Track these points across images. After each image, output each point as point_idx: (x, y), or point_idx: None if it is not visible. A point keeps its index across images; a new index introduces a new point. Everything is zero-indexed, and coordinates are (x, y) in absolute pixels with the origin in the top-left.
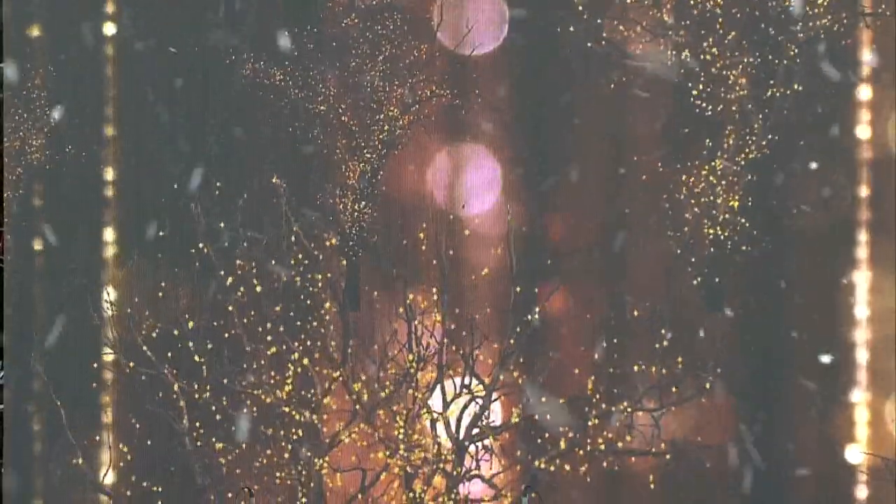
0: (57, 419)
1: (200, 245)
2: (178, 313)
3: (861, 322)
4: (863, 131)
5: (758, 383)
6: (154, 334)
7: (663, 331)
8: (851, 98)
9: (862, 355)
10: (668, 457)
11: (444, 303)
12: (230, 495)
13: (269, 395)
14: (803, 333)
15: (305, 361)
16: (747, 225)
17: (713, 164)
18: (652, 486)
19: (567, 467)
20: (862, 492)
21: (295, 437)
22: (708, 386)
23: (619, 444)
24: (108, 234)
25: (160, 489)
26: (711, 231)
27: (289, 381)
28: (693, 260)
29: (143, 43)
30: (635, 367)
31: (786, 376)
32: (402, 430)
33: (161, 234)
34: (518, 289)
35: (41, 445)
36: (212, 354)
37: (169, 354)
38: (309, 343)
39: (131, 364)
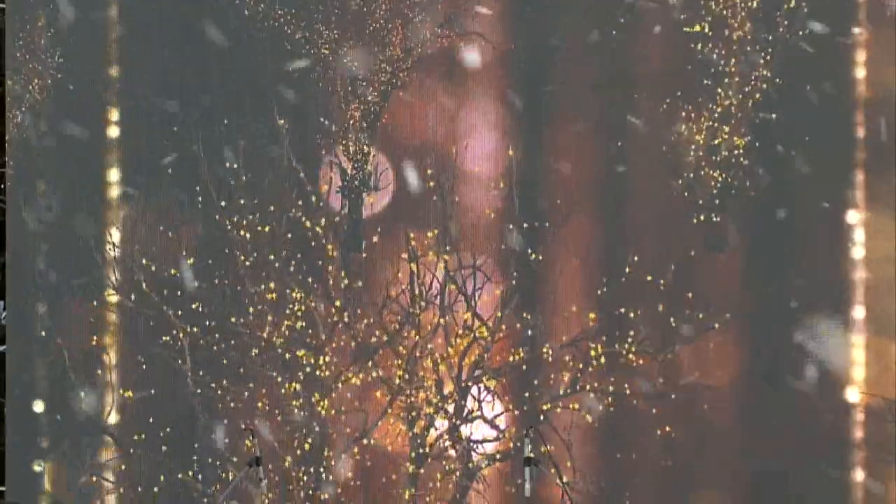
0: (59, 361)
1: (202, 186)
2: (179, 254)
3: (859, 263)
4: (859, 71)
5: (760, 324)
6: (156, 276)
7: (665, 272)
8: (851, 40)
9: (861, 296)
10: (673, 396)
11: (445, 244)
12: (232, 435)
13: (270, 336)
14: (804, 274)
15: (307, 303)
16: (749, 165)
17: (715, 105)
18: (655, 427)
19: (570, 408)
20: (860, 432)
21: (297, 378)
22: (717, 326)
23: (622, 386)
24: (113, 174)
25: (163, 429)
26: (713, 172)
27: (290, 322)
28: (694, 200)
29: None
30: (637, 309)
31: (787, 317)
32: (403, 372)
33: (167, 163)
34: (520, 229)
35: (44, 387)
36: (214, 296)
37: (170, 295)
38: (310, 284)
39: (133, 304)
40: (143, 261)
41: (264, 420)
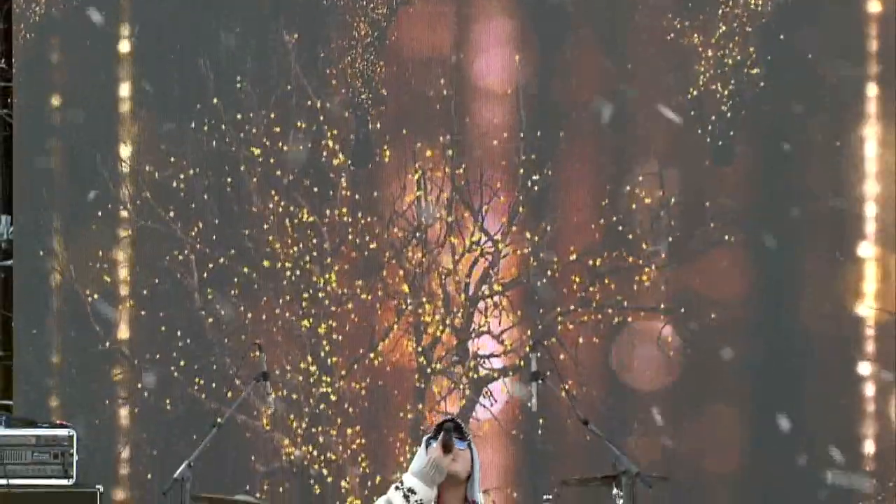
0: (68, 277)
1: (211, 102)
2: (188, 170)
3: (870, 175)
4: None
5: (768, 236)
6: (165, 190)
7: (674, 185)
8: None
9: (871, 209)
10: (682, 310)
11: (453, 158)
12: (240, 351)
13: (277, 252)
14: (813, 186)
15: (313, 219)
16: (757, 77)
17: (722, 16)
18: (660, 340)
19: (577, 323)
20: (870, 346)
21: (303, 294)
22: (726, 238)
23: (628, 301)
24: (124, 90)
25: (173, 345)
26: (721, 86)
27: (297, 237)
28: (701, 114)
29: None
30: (643, 223)
31: (795, 228)
32: (410, 288)
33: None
34: (528, 144)
35: (53, 303)
36: (221, 212)
37: (179, 211)
38: (317, 199)
39: (143, 221)
40: (155, 175)
41: (271, 336)
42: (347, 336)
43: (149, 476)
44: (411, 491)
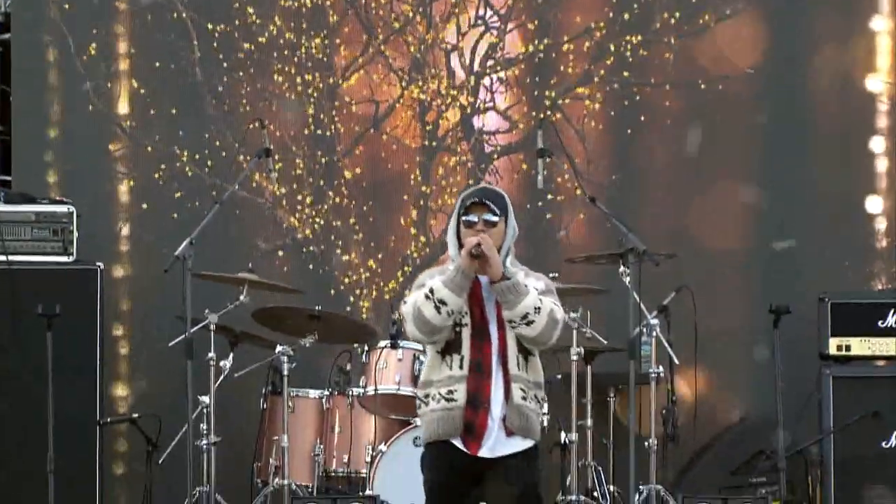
0: (67, 50)
1: None
2: None
3: None
4: None
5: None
6: None
7: None
8: None
9: None
10: (701, 85)
11: None
12: (242, 126)
13: (280, 29)
14: None
15: None
16: None
17: None
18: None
19: (584, 99)
20: (882, 121)
21: (307, 68)
22: (728, 12)
23: (637, 76)
24: None
25: (172, 116)
26: None
27: (299, 4)
28: None
29: None
30: None
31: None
32: (415, 63)
33: None
34: None
35: (52, 78)
36: None
37: None
38: None
39: None
40: None
41: (274, 111)
42: (351, 112)
43: (149, 254)
44: (442, 302)
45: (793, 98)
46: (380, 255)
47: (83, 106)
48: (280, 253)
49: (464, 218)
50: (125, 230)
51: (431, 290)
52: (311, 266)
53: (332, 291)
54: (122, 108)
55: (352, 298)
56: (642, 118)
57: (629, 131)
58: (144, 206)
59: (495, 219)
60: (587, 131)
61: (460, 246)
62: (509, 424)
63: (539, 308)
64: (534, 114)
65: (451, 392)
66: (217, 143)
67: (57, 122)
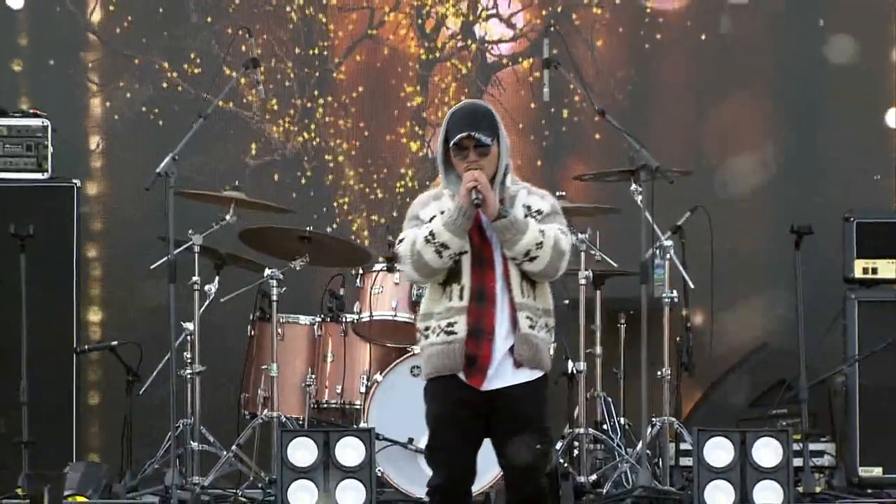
0: None
1: None
2: None
3: None
4: None
5: None
6: None
7: None
8: None
9: None
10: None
11: None
12: (227, 36)
13: None
14: None
15: None
16: None
17: None
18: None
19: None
20: None
21: None
22: None
23: None
24: None
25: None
26: None
27: None
28: None
29: None
30: None
31: None
32: None
33: None
34: None
35: None
36: None
37: None
38: None
39: None
40: None
41: (262, 22)
42: (343, 17)
43: (125, 171)
44: (444, 246)
45: (815, 20)
46: (374, 172)
47: (54, 14)
48: (269, 170)
49: (454, 146)
50: (101, 145)
51: (432, 234)
52: (301, 183)
53: (324, 210)
54: (97, 14)
55: (347, 218)
56: (658, 35)
57: (643, 44)
58: (119, 121)
59: (488, 143)
60: (597, 40)
61: (447, 171)
62: (517, 356)
63: (541, 243)
64: (538, 21)
65: (450, 324)
66: (201, 53)
67: (27, 29)
